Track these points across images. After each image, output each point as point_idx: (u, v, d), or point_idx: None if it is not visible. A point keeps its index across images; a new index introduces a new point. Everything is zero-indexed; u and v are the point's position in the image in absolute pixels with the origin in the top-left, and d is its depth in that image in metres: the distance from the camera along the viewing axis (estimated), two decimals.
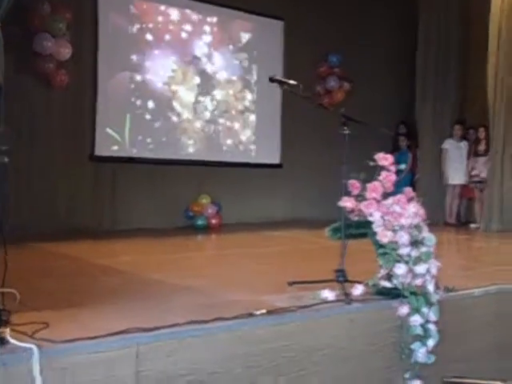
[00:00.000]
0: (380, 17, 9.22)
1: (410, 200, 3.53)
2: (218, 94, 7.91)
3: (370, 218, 3.42)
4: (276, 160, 8.61)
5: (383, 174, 3.55)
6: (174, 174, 7.32)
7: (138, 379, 2.38)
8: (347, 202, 3.49)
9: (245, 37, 8.21)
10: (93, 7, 6.70)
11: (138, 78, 7.10)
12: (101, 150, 6.72)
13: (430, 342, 3.33)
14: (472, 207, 9.06)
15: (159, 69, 7.26)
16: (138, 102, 7.12)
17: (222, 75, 7.93)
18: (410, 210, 3.40)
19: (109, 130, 6.82)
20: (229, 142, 8.09)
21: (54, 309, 2.84)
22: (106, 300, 3.15)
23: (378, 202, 3.46)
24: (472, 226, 8.71)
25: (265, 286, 3.75)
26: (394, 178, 3.56)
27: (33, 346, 2.16)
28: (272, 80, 3.84)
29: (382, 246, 3.39)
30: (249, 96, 8.24)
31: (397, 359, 3.29)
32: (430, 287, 3.38)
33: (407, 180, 9.54)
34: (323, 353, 3.03)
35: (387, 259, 3.36)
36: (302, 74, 8.54)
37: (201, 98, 7.74)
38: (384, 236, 3.34)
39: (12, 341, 2.21)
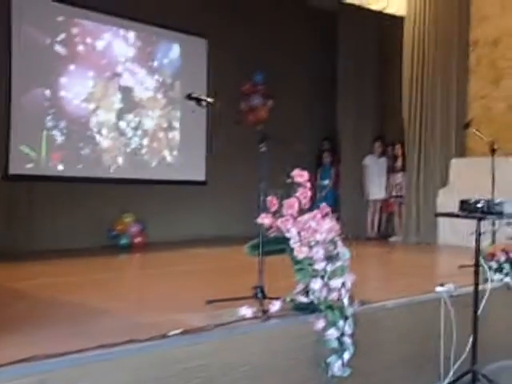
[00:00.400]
0: (302, 34, 9.45)
1: (325, 216, 3.61)
2: (141, 111, 7.82)
3: (287, 234, 3.46)
4: (201, 177, 8.59)
5: (299, 190, 3.62)
6: (96, 192, 7.14)
7: None
8: (265, 219, 3.52)
9: (168, 54, 8.18)
10: (5, 19, 6.46)
11: (56, 93, 6.90)
12: (15, 169, 6.46)
13: (346, 355, 3.39)
14: (392, 221, 9.38)
15: (77, 85, 7.09)
16: (56, 119, 6.91)
17: (144, 92, 7.85)
18: (324, 226, 3.47)
19: (23, 148, 6.57)
20: (152, 159, 8.00)
21: None
22: (14, 326, 3.00)
23: (295, 218, 3.51)
24: (392, 239, 9.00)
25: (183, 305, 3.70)
26: (309, 194, 3.64)
27: None
28: (189, 98, 3.84)
29: (298, 261, 3.43)
30: (173, 113, 8.19)
31: (315, 373, 3.33)
32: (345, 300, 3.44)
33: (331, 196, 9.78)
34: (242, 370, 3.01)
35: (303, 274, 3.40)
36: (226, 92, 8.64)
37: (123, 115, 7.62)
38: (300, 252, 3.38)
39: None
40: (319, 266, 3.39)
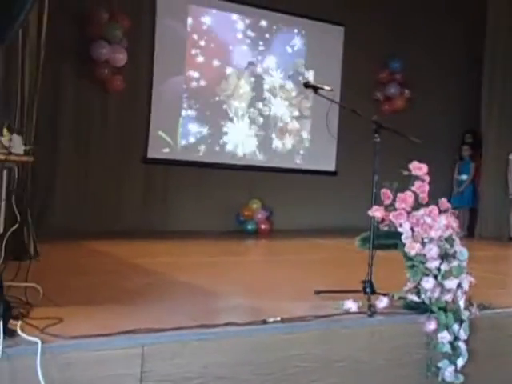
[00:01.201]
0: (445, 22, 8.92)
1: (443, 212, 3.40)
2: (273, 99, 7.92)
3: (400, 229, 3.32)
4: (331, 167, 8.51)
5: (417, 183, 3.44)
6: (226, 178, 7.37)
7: (141, 380, 2.41)
8: (376, 212, 3.40)
9: (302, 42, 8.18)
10: (151, 14, 6.89)
11: (191, 82, 7.22)
12: (153, 153, 6.89)
13: (460, 361, 3.19)
14: None
15: (212, 74, 7.36)
16: (190, 107, 7.24)
17: (276, 80, 7.93)
18: (441, 222, 3.28)
19: (161, 133, 6.98)
20: (283, 147, 8.07)
21: (74, 305, 2.94)
22: (126, 299, 3.22)
23: (409, 212, 3.35)
24: None
25: (291, 293, 3.71)
26: (427, 188, 3.45)
27: (37, 340, 2.23)
28: (306, 86, 3.82)
29: (410, 258, 3.28)
30: (304, 102, 8.19)
31: (422, 377, 3.17)
32: (461, 303, 3.23)
33: (469, 191, 9.19)
34: (340, 365, 2.96)
35: (415, 272, 3.25)
36: (361, 80, 8.47)
37: (255, 103, 7.78)
38: (412, 248, 3.23)
39: (21, 334, 2.30)
40: (432, 264, 3.21)
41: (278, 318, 2.91)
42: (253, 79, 7.74)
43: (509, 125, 8.65)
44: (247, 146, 7.76)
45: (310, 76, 8.21)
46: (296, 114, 8.16)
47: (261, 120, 7.86)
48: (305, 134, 8.28)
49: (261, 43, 7.82)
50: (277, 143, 8.02)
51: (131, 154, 6.74)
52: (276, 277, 4.41)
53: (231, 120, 7.59)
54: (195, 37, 7.27)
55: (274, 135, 7.98)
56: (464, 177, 9.19)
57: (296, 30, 8.12)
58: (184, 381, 2.50)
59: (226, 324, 2.74)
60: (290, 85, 8.07)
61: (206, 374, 2.57)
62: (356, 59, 8.33)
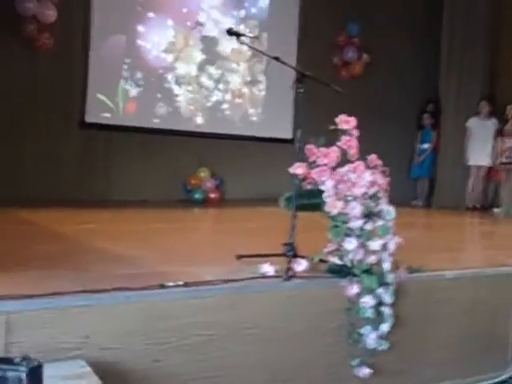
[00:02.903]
0: None
1: (371, 168, 3.14)
2: (223, 63, 7.57)
3: (322, 187, 3.06)
4: (287, 135, 8.23)
5: (344, 138, 3.18)
6: (173, 145, 7.06)
7: (6, 351, 2.13)
8: (298, 169, 3.13)
9: (256, 3, 7.81)
10: None
11: (134, 43, 6.82)
12: (92, 117, 6.52)
13: (384, 327, 2.96)
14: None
15: (156, 34, 6.97)
16: (133, 69, 6.84)
17: (227, 43, 7.58)
18: (365, 179, 3.02)
19: (100, 96, 6.60)
20: (235, 114, 7.76)
21: None
22: (20, 266, 2.92)
23: (333, 169, 3.09)
24: (495, 210, 8.11)
25: (211, 259, 3.45)
26: (355, 143, 3.18)
27: None
28: (230, 33, 3.51)
29: (332, 218, 3.02)
30: (258, 67, 7.86)
31: (343, 344, 2.95)
32: (387, 266, 2.99)
33: (430, 160, 9.02)
34: (250, 332, 2.71)
35: (336, 232, 2.99)
36: (318, 44, 8.14)
37: (204, 67, 7.43)
38: (333, 206, 2.97)
39: None
40: (355, 223, 2.96)
41: (180, 283, 2.64)
42: (202, 41, 7.37)
43: (467, 93, 8.46)
44: (196, 112, 7.43)
45: (264, 39, 7.87)
46: (249, 79, 7.84)
47: (211, 84, 7.52)
48: (258, 100, 7.97)
49: (213, 1, 7.42)
50: (228, 109, 7.69)
51: (67, 118, 6.35)
52: (204, 243, 4.14)
53: (178, 84, 7.23)
54: None
55: (225, 101, 7.65)
56: (425, 145, 9.01)
57: None
58: (58, 352, 2.22)
59: (115, 289, 2.45)
60: (242, 48, 7.72)
61: (88, 345, 2.29)
62: (313, 21, 8.01)
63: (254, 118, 7.96)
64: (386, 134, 8.36)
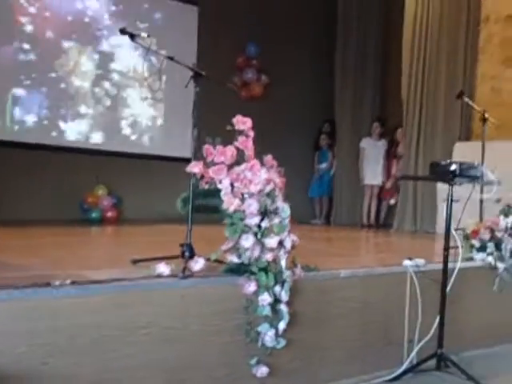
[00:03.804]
0: (301, 9, 8.99)
1: (268, 168, 3.17)
2: (120, 79, 7.45)
3: (219, 186, 3.04)
4: (187, 154, 8.17)
5: (240, 138, 3.19)
6: (68, 162, 6.80)
7: None
8: (195, 167, 3.10)
9: (154, 19, 7.79)
10: None
11: (22, 55, 6.53)
12: None
13: (281, 325, 2.95)
14: (394, 209, 8.83)
15: (49, 47, 6.74)
16: (22, 82, 6.53)
17: (125, 60, 7.48)
18: (261, 176, 3.04)
19: None
20: (132, 131, 7.62)
21: None
22: None
23: (229, 167, 3.09)
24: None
25: (103, 264, 3.31)
26: (251, 144, 3.21)
27: None
28: (122, 32, 3.47)
29: (229, 216, 3.01)
30: (156, 84, 7.80)
31: (241, 343, 2.90)
32: (283, 263, 3.01)
33: (328, 180, 9.32)
34: (144, 332, 2.60)
35: (233, 230, 2.96)
36: (218, 64, 8.21)
37: (100, 82, 7.25)
38: (230, 204, 2.95)
39: None
40: (252, 220, 2.95)
41: (68, 281, 2.49)
42: (97, 56, 7.21)
43: (360, 113, 8.88)
44: (93, 129, 7.21)
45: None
46: (148, 95, 7.75)
47: (108, 101, 7.35)
48: (158, 118, 7.89)
49: (106, 17, 7.31)
50: (126, 126, 7.54)
51: None
52: (98, 253, 3.97)
53: (72, 99, 6.99)
54: (23, 2, 6.55)
55: (122, 118, 7.50)
56: (323, 165, 9.32)
57: (148, 5, 7.70)
58: None
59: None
60: (140, 64, 7.65)
61: None
62: (213, 43, 8.11)
63: (153, 135, 7.86)
64: (286, 153, 8.54)
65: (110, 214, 6.85)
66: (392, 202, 8.53)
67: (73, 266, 3.16)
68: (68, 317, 2.39)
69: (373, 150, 8.61)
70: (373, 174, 8.59)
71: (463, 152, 7.63)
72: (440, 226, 7.52)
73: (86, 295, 2.47)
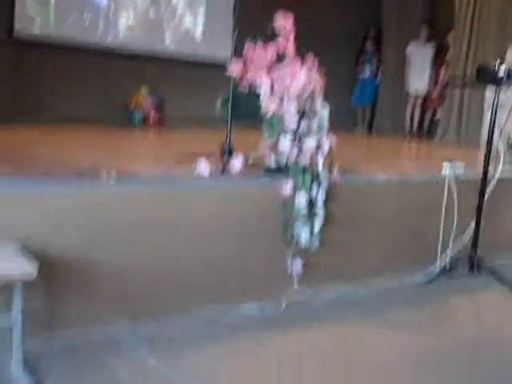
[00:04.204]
0: None
1: (308, 68, 3.12)
2: None
3: (258, 90, 3.03)
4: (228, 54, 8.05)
5: (280, 39, 3.13)
6: (111, 65, 6.79)
7: None
8: (235, 66, 3.08)
9: None
10: None
11: None
12: (21, 31, 6.15)
13: (316, 225, 3.05)
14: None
15: None
16: None
17: None
18: (301, 78, 3.01)
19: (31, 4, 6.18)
20: (176, 32, 7.51)
21: None
22: None
23: (269, 70, 3.06)
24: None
25: (149, 161, 3.40)
26: (292, 42, 3.15)
27: None
28: None
29: (268, 118, 3.02)
30: None
31: (278, 242, 3.01)
32: (320, 165, 3.05)
33: (371, 88, 9.07)
34: (187, 229, 2.72)
35: (272, 132, 3.00)
36: None
37: None
38: (269, 106, 2.96)
39: None
40: (290, 123, 2.97)
41: (113, 174, 2.60)
42: None
43: (407, 16, 8.47)
44: (134, 30, 7.14)
45: None
46: None
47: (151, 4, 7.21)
48: (200, 17, 7.72)
49: None
50: (170, 27, 7.43)
51: None
52: (145, 150, 4.05)
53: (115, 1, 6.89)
54: None
55: (165, 18, 7.37)
56: (367, 73, 9.04)
57: None
58: None
59: (47, 176, 2.40)
60: None
61: (20, 231, 2.25)
62: None
63: (196, 36, 7.74)
64: (327, 60, 8.32)
65: (152, 114, 6.86)
66: (437, 117, 8.29)
67: (118, 162, 3.26)
68: (112, 210, 2.51)
69: (419, 56, 8.22)
70: (418, 82, 8.27)
71: None
72: (485, 136, 7.38)
73: (130, 191, 2.57)
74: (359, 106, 9.20)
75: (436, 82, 8.31)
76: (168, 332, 2.56)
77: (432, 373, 2.40)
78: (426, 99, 8.48)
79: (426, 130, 8.65)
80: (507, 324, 3.04)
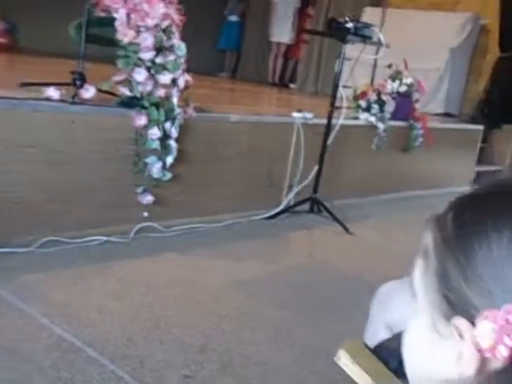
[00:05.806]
0: None
1: (166, 3, 3.12)
2: None
3: (115, 15, 2.98)
4: None
5: None
6: None
7: None
8: None
9: None
10: None
11: None
12: None
13: (169, 159, 3.12)
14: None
15: None
16: None
17: None
18: (159, 10, 3.00)
19: None
20: None
21: None
22: None
23: None
24: (292, 85, 8.63)
25: None
26: None
27: None
28: None
29: (123, 47, 2.99)
30: None
31: (129, 172, 3.05)
32: (175, 101, 3.10)
33: (237, 33, 9.11)
34: (30, 151, 2.66)
35: (126, 62, 2.97)
36: None
37: None
38: (125, 35, 2.93)
39: None
40: (146, 55, 2.97)
41: None
42: None
43: None
44: None
45: None
46: None
47: None
48: None
49: None
50: None
51: None
52: None
53: None
54: None
55: None
56: (233, 18, 9.04)
57: None
58: None
59: None
60: None
61: None
62: None
63: None
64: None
65: (2, 40, 6.39)
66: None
67: None
68: None
69: (283, 4, 8.34)
70: (281, 31, 8.43)
71: (370, 17, 7.74)
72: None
73: None
74: (226, 51, 9.23)
75: (299, 32, 8.56)
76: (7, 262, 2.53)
77: (254, 295, 2.65)
78: (289, 48, 8.70)
79: (289, 79, 8.95)
80: (333, 255, 3.38)
